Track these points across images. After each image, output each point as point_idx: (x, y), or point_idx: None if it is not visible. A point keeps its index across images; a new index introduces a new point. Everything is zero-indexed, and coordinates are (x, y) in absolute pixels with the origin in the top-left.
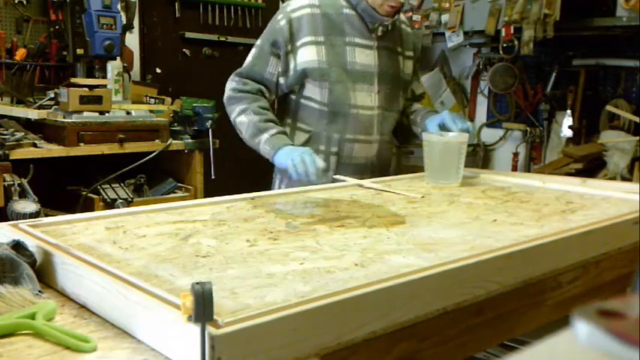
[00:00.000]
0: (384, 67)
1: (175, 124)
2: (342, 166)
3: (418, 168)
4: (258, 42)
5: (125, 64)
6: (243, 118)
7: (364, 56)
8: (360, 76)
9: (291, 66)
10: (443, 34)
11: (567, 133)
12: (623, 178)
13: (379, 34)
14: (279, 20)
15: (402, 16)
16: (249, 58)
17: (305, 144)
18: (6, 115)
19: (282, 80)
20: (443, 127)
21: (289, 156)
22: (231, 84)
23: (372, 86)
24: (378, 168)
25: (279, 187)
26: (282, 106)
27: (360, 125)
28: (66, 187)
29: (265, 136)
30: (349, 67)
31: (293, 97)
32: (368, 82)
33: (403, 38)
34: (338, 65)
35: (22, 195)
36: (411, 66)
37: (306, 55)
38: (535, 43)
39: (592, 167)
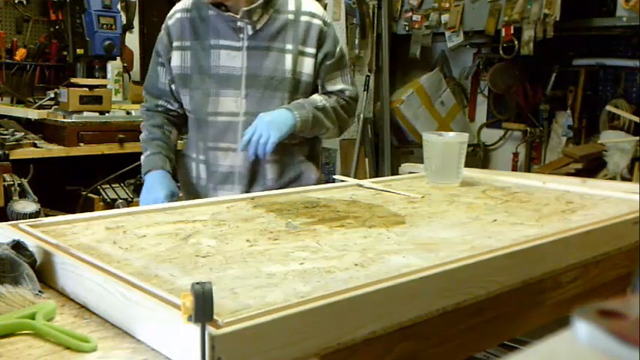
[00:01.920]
0: (255, 68)
1: None
2: (211, 175)
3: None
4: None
5: (125, 64)
6: (141, 134)
7: (230, 59)
8: (224, 80)
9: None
10: (443, 34)
11: (567, 133)
12: (623, 178)
13: (249, 32)
14: (161, 29)
15: (317, 9)
16: (148, 72)
17: (185, 149)
18: (6, 115)
19: (173, 87)
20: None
21: (146, 193)
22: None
23: (237, 90)
24: (248, 179)
25: None
26: None
27: (219, 132)
28: (66, 187)
29: (142, 156)
30: (212, 71)
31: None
32: (233, 87)
33: (302, 33)
34: (199, 71)
35: (22, 195)
36: (311, 64)
37: (174, 61)
38: (535, 43)
39: (592, 167)
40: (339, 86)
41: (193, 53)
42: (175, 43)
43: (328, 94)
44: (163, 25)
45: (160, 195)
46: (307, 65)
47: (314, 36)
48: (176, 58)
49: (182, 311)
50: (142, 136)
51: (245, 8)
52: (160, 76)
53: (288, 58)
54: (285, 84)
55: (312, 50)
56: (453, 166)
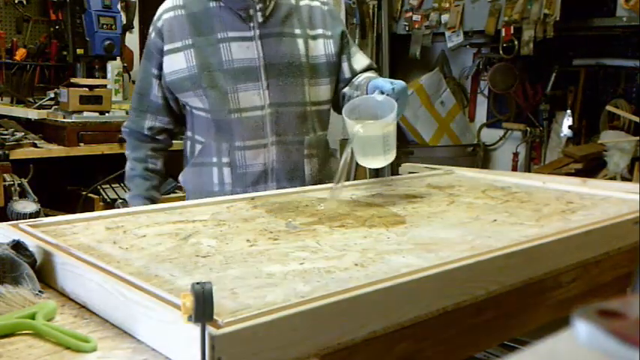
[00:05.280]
0: (272, 56)
1: None
2: (238, 177)
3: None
4: (141, 62)
5: (125, 64)
6: (126, 165)
7: (243, 50)
8: (241, 74)
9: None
10: (443, 34)
11: (567, 133)
12: (623, 178)
13: (260, 20)
14: (151, 33)
15: None
16: (136, 83)
17: (199, 156)
18: (6, 115)
19: (169, 97)
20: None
21: None
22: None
23: (257, 82)
24: (283, 175)
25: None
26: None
27: (246, 130)
28: (66, 187)
29: (126, 195)
30: (225, 66)
31: (187, 107)
32: (252, 79)
33: (306, 17)
34: (210, 68)
35: (22, 195)
36: (322, 45)
37: (175, 64)
38: (535, 43)
39: (592, 167)
40: (366, 62)
41: (198, 51)
42: (174, 44)
43: (359, 73)
44: (152, 29)
45: None
46: (319, 48)
47: (319, 18)
48: (178, 60)
49: (182, 311)
50: (126, 168)
51: None
52: (154, 87)
53: (300, 43)
54: (303, 69)
55: (320, 31)
56: (378, 148)
